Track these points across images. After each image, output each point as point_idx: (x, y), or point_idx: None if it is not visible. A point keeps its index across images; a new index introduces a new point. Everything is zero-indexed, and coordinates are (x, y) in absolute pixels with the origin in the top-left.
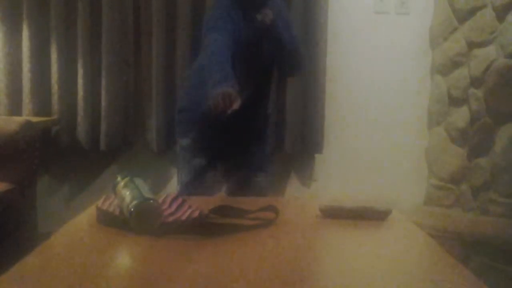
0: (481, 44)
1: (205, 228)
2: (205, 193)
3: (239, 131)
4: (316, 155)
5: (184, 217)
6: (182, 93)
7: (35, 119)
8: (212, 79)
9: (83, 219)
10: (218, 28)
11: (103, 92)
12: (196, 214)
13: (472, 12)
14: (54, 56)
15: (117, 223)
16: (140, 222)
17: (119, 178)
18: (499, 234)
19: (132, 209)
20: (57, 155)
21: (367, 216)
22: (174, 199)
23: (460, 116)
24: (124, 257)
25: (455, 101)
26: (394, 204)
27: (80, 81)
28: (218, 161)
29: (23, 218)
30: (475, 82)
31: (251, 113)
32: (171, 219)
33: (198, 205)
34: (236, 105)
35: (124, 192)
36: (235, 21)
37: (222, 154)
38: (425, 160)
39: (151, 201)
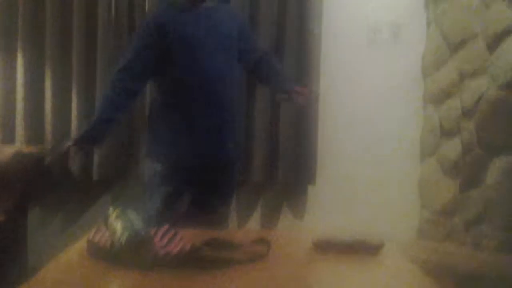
0: (472, 75)
1: (197, 261)
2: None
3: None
4: (309, 187)
5: (176, 250)
6: None
7: (27, 148)
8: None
9: (74, 253)
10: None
11: None
12: (188, 247)
13: (464, 43)
14: (48, 84)
15: (108, 256)
16: (131, 255)
17: (110, 210)
18: (492, 269)
19: (123, 242)
20: (48, 186)
21: (360, 250)
22: (166, 231)
23: (452, 148)
24: None
25: (447, 133)
26: (386, 238)
27: (74, 110)
28: (185, 189)
29: (13, 250)
30: (467, 113)
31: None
32: (163, 252)
33: (190, 237)
34: None
35: (116, 224)
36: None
37: (190, 182)
38: (417, 192)
39: (143, 233)
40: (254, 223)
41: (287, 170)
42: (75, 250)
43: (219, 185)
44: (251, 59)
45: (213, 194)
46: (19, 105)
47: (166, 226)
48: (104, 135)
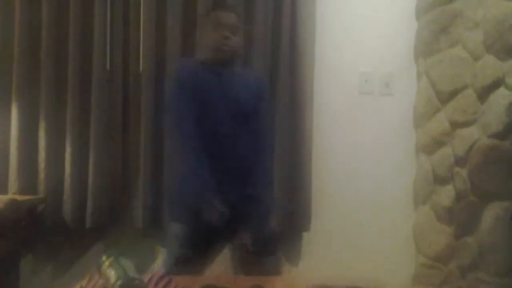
0: (464, 124)
1: None
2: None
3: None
4: (304, 233)
5: None
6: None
7: (21, 197)
8: (191, 187)
9: None
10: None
11: (90, 170)
12: None
13: (454, 93)
14: (42, 134)
15: None
16: None
17: (104, 258)
18: None
19: None
20: (41, 234)
21: None
22: (160, 278)
23: (446, 195)
24: None
25: (440, 180)
26: (383, 283)
27: (67, 159)
28: (204, 254)
29: None
30: (459, 161)
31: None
32: None
33: (185, 284)
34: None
35: (109, 272)
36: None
37: (209, 248)
38: (412, 239)
39: (137, 281)
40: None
41: (281, 216)
42: None
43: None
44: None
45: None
46: (13, 155)
47: (160, 273)
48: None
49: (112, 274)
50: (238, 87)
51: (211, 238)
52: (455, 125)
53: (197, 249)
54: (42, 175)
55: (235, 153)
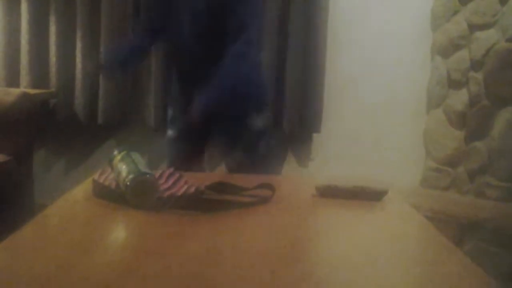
0: (482, 27)
1: (201, 204)
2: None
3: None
4: (314, 135)
5: (180, 193)
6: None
7: (32, 91)
8: None
9: (79, 192)
10: None
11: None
12: (192, 190)
13: None
14: (52, 28)
15: (113, 196)
16: (136, 196)
17: (116, 152)
18: (494, 217)
19: (128, 183)
20: (54, 128)
21: (363, 196)
22: (171, 174)
23: (459, 99)
24: (119, 231)
25: (454, 84)
26: (390, 185)
27: (78, 54)
28: (192, 132)
29: (19, 189)
30: (475, 65)
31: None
32: (167, 194)
33: (195, 181)
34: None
35: (121, 166)
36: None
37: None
38: (423, 142)
39: (148, 175)
40: None
41: (292, 117)
42: (80, 190)
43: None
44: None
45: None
46: (24, 49)
47: (171, 169)
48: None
49: (123, 168)
50: None
51: (199, 135)
52: (474, 27)
53: (189, 147)
54: (53, 69)
55: (205, 52)
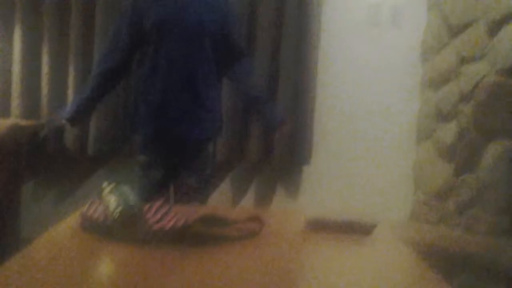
0: (472, 60)
1: (190, 237)
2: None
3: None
4: (304, 167)
5: (169, 226)
6: None
7: (23, 122)
8: None
9: (67, 225)
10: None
11: None
12: (180, 223)
13: (464, 27)
14: (45, 58)
15: (101, 230)
16: (124, 229)
17: (105, 184)
18: (484, 252)
19: (116, 216)
20: (43, 160)
21: (352, 230)
22: (160, 207)
23: (449, 132)
24: (107, 266)
25: (444, 117)
26: (380, 218)
27: (70, 84)
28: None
29: (6, 221)
30: (465, 97)
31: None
32: (156, 227)
33: (184, 213)
34: None
35: (109, 198)
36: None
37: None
38: (412, 175)
39: (136, 208)
40: (248, 202)
41: (282, 150)
42: (68, 223)
43: (187, 160)
44: (228, 54)
45: (184, 169)
46: (16, 79)
47: (160, 202)
48: (90, 113)
49: (112, 200)
50: (197, 8)
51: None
52: (463, 60)
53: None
54: (45, 100)
55: (196, 80)
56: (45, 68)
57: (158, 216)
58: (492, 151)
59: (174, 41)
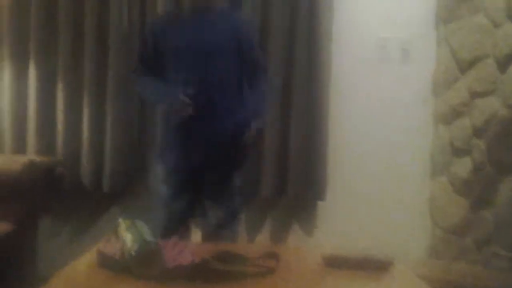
0: (483, 94)
1: (207, 274)
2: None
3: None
4: (319, 202)
5: (185, 263)
6: None
7: (39, 159)
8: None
9: (83, 262)
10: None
11: (108, 134)
12: (198, 259)
13: (475, 62)
14: (60, 96)
15: (118, 267)
16: (141, 266)
17: (121, 221)
18: None
19: (133, 253)
20: (59, 196)
21: (369, 266)
22: (176, 244)
23: (463, 167)
24: None
25: (458, 151)
26: (396, 255)
27: (85, 122)
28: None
29: (22, 260)
30: (478, 132)
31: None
32: (172, 264)
33: (200, 250)
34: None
35: (126, 235)
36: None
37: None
38: (428, 211)
39: (153, 244)
40: (263, 238)
41: (297, 185)
42: (84, 260)
43: (212, 189)
44: (246, 71)
45: (210, 201)
46: (31, 116)
47: (176, 238)
48: None
49: (128, 237)
50: (211, 30)
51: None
52: (474, 94)
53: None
54: (60, 137)
55: (209, 99)
56: (60, 106)
57: (175, 252)
58: (508, 186)
59: (194, 67)
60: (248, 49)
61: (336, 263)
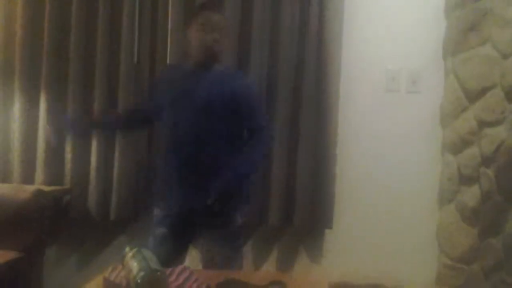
0: (491, 124)
1: None
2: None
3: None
4: (326, 230)
5: None
6: None
7: (46, 188)
8: None
9: None
10: None
11: (115, 163)
12: (203, 287)
13: (482, 92)
14: None
15: None
16: None
17: (127, 249)
18: None
19: (139, 281)
20: (66, 224)
21: None
22: (182, 271)
23: (472, 195)
24: None
25: (466, 180)
26: (404, 283)
27: (93, 151)
28: (181, 228)
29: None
30: (486, 161)
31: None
32: None
33: (206, 278)
34: None
35: (132, 263)
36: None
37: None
38: (436, 239)
39: (158, 272)
40: (270, 266)
41: (304, 213)
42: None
43: (211, 233)
44: (247, 129)
45: (213, 240)
46: (40, 146)
47: (181, 266)
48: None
49: (134, 265)
50: (210, 86)
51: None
52: (483, 124)
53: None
54: (68, 166)
55: (199, 151)
56: (68, 136)
57: (180, 280)
58: None
59: (186, 119)
60: (247, 111)
61: None
